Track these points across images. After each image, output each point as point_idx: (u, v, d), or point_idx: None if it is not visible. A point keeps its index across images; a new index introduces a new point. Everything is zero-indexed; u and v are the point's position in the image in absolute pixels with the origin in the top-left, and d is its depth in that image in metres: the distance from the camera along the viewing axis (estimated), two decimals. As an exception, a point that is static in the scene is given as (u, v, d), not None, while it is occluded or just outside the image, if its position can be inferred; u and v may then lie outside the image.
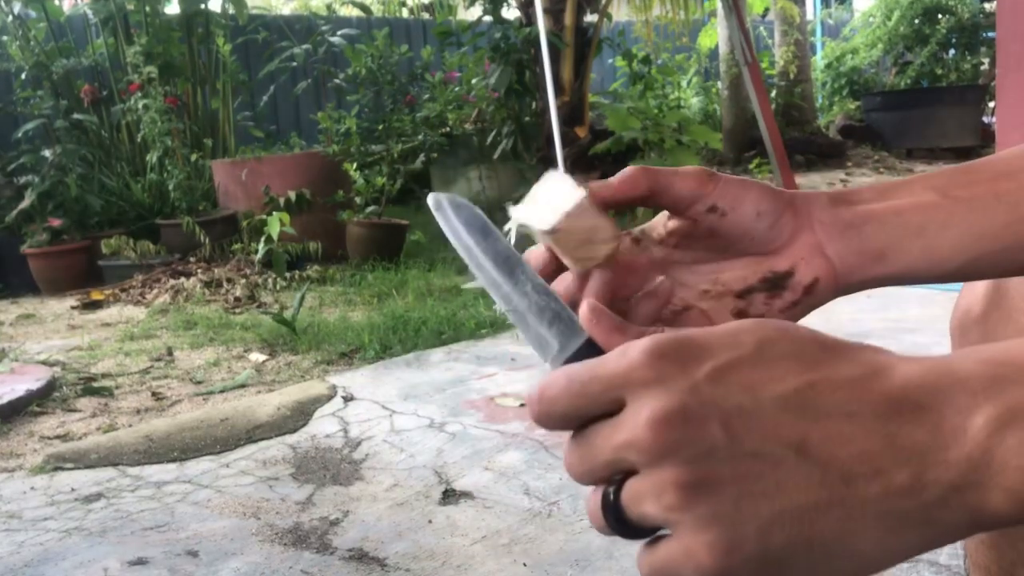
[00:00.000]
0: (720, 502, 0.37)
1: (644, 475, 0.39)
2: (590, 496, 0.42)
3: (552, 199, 0.53)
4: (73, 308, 4.88)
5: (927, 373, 0.38)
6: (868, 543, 0.37)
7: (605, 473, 0.41)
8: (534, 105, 7.40)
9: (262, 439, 2.44)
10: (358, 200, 5.53)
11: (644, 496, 0.39)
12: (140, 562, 1.75)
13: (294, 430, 2.50)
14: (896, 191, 0.55)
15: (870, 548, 0.37)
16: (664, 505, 0.38)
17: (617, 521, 0.41)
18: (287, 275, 4.99)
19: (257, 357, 3.44)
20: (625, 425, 0.39)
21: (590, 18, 7.45)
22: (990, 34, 10.34)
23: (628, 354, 0.41)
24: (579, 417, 0.42)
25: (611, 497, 0.41)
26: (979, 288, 0.72)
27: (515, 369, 2.98)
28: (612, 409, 0.41)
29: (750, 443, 0.37)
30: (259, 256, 5.07)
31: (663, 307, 0.55)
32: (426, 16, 9.97)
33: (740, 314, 0.55)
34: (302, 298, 3.81)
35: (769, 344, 0.40)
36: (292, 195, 5.47)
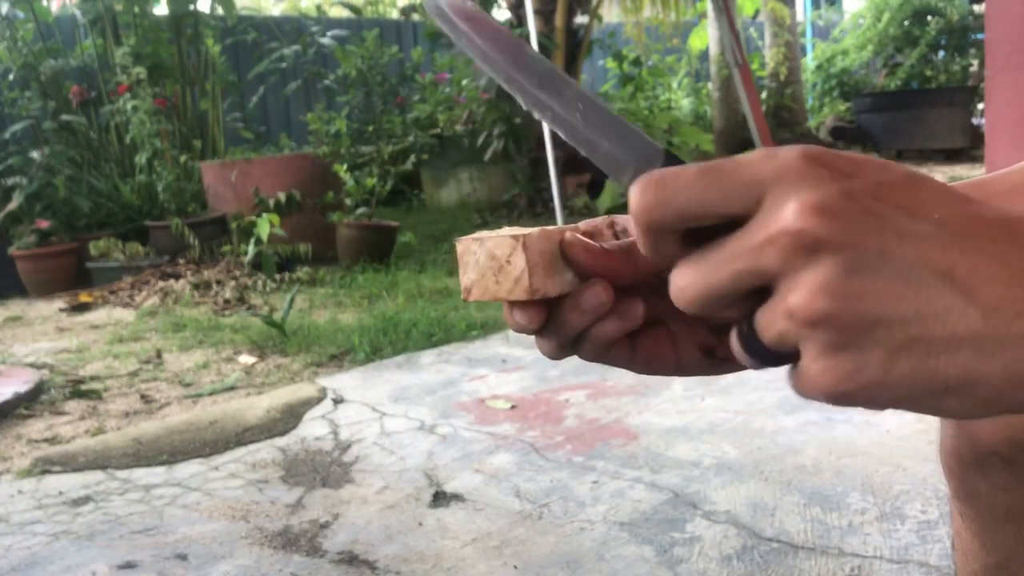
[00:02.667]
0: (855, 323, 0.36)
1: (780, 288, 0.37)
2: (732, 333, 0.41)
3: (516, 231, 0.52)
4: (61, 310, 4.85)
5: None
6: (988, 388, 0.36)
7: (728, 288, 0.39)
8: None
9: (251, 442, 2.43)
10: (348, 201, 5.52)
11: (778, 315, 0.37)
12: (129, 566, 1.74)
13: (284, 432, 2.49)
14: None
15: (988, 393, 0.36)
16: (805, 311, 0.36)
17: (755, 352, 0.39)
18: (277, 277, 4.97)
19: (247, 359, 3.42)
20: (767, 220, 0.37)
21: (580, 19, 7.46)
22: (979, 36, 10.40)
23: (777, 155, 0.38)
24: (698, 215, 0.39)
25: (745, 329, 0.39)
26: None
27: (506, 371, 2.97)
28: (743, 213, 0.38)
29: (900, 262, 0.36)
30: (248, 258, 5.06)
31: (627, 329, 0.51)
32: (416, 17, 9.96)
33: (705, 349, 0.53)
34: (292, 300, 3.80)
35: (917, 177, 0.38)
36: (282, 197, 5.46)
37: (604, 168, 0.45)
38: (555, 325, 0.51)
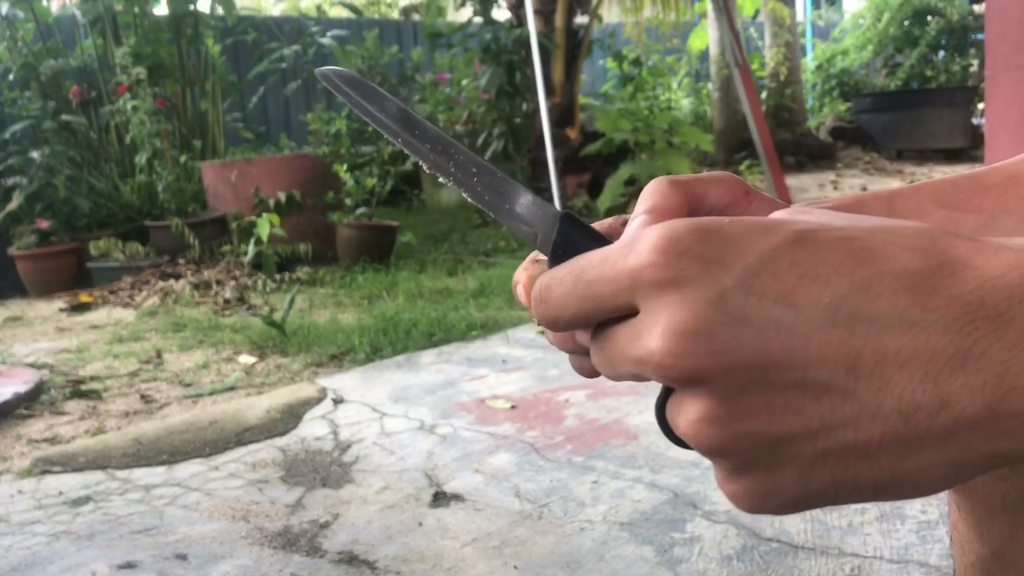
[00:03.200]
0: (754, 448, 0.32)
1: (675, 396, 0.34)
2: None
3: None
4: (61, 310, 4.85)
5: (1011, 270, 0.31)
6: (925, 480, 0.32)
7: (630, 378, 0.36)
8: (525, 106, 7.41)
9: (251, 442, 2.43)
10: (348, 202, 5.52)
11: (677, 422, 0.34)
12: (129, 566, 1.74)
13: (284, 432, 2.49)
14: (903, 204, 0.54)
15: (922, 482, 0.33)
16: (695, 442, 0.33)
17: (670, 433, 0.36)
18: (277, 277, 4.97)
19: (246, 359, 3.42)
20: (640, 337, 0.33)
21: (581, 19, 7.47)
22: (979, 36, 10.40)
23: (636, 248, 0.34)
24: (592, 321, 0.37)
25: (659, 404, 0.36)
26: None
27: (506, 371, 2.97)
28: (627, 312, 0.35)
29: (791, 371, 0.31)
30: (248, 258, 5.06)
31: None
32: (416, 17, 9.97)
33: None
34: (292, 300, 3.80)
35: (805, 237, 0.33)
36: (282, 197, 5.46)
37: (511, 230, 0.45)
38: None
